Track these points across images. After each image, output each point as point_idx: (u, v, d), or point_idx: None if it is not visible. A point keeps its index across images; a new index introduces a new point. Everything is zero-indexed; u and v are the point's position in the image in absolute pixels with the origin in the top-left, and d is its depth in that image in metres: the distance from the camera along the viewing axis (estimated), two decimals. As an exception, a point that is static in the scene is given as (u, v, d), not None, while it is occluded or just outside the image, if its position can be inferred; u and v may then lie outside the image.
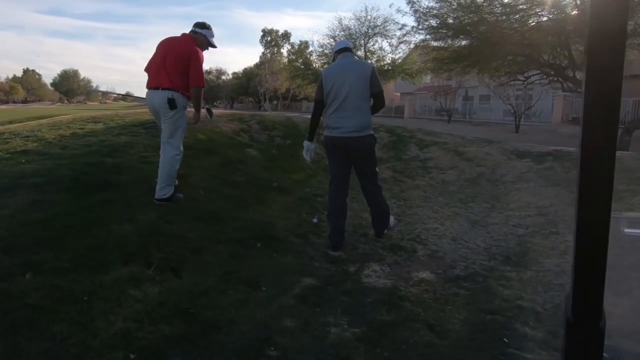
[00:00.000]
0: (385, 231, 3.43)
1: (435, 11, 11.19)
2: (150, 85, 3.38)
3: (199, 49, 3.40)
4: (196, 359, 1.78)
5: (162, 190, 3.33)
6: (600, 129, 0.59)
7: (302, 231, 3.42)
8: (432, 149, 6.25)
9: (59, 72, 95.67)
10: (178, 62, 3.31)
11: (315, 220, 3.66)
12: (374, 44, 23.00)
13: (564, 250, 3.13)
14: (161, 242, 2.76)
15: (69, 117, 5.45)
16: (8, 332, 1.78)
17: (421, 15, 11.44)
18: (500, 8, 10.50)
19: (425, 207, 4.26)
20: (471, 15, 10.53)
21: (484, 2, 10.48)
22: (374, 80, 3.14)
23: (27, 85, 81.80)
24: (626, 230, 0.98)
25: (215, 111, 6.15)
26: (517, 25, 10.37)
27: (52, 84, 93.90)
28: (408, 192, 4.78)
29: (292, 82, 29.88)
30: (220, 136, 4.12)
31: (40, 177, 3.32)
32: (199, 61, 3.37)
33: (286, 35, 55.12)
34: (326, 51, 21.50)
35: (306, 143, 3.33)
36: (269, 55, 52.13)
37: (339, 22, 19.79)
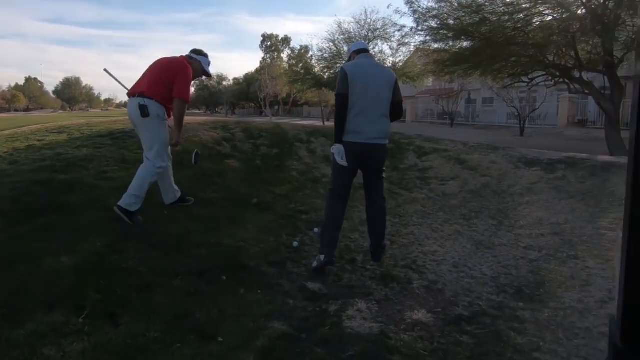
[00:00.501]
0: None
1: (435, 12, 10.77)
2: (129, 93, 3.14)
3: (189, 67, 3.20)
4: None
5: (126, 199, 2.98)
6: None
7: (278, 258, 2.95)
8: (432, 157, 5.78)
9: (62, 80, 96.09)
10: (164, 71, 3.13)
11: (296, 244, 3.19)
12: (374, 48, 22.58)
13: (587, 280, 2.65)
14: (103, 279, 2.30)
15: (35, 127, 5.02)
16: None
17: (420, 16, 11.01)
18: (502, 7, 10.07)
19: (423, 225, 3.78)
20: (472, 16, 10.10)
21: (485, 1, 10.06)
22: (397, 88, 2.97)
23: (29, 93, 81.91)
24: None
25: (198, 119, 5.72)
26: (520, 25, 9.94)
27: (55, 92, 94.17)
28: (404, 206, 4.30)
29: (292, 87, 29.48)
30: (197, 146, 3.67)
31: (-25, 198, 2.88)
32: (187, 75, 3.14)
33: (286, 40, 54.93)
34: (325, 55, 21.11)
35: (337, 147, 2.83)
36: (269, 60, 51.91)
37: (339, 26, 19.33)
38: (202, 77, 3.51)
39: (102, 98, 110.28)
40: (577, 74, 10.31)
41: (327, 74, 19.29)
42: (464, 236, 3.52)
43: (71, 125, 5.03)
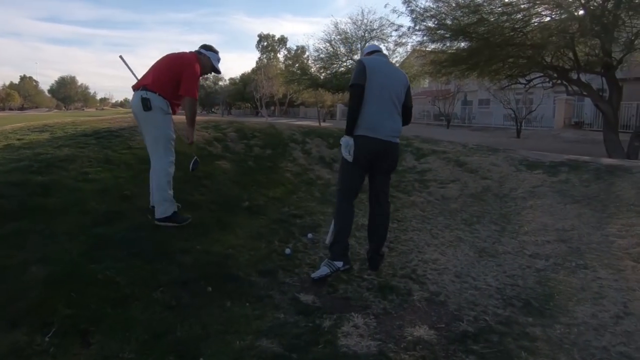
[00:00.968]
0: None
1: (432, 11, 10.61)
2: (133, 87, 3.04)
3: (197, 64, 3.07)
4: None
5: (159, 207, 2.94)
6: None
7: (270, 266, 2.75)
8: (431, 159, 5.60)
9: (57, 79, 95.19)
10: (170, 66, 3.02)
11: (288, 251, 2.99)
12: (371, 48, 22.38)
13: (599, 292, 2.48)
14: (75, 292, 2.10)
15: (18, 125, 4.79)
16: None
17: (418, 16, 10.86)
18: (501, 8, 9.94)
19: (422, 231, 3.60)
20: (470, 15, 9.96)
21: (483, 1, 9.92)
22: (409, 93, 2.87)
23: (24, 92, 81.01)
24: None
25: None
26: (518, 26, 9.81)
27: (50, 91, 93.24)
28: (403, 211, 4.12)
29: (288, 87, 29.24)
30: (186, 146, 3.46)
31: (-58, 202, 2.67)
32: (193, 72, 3.02)
33: (282, 40, 54.69)
34: (322, 56, 20.89)
35: (345, 139, 2.65)
36: (265, 60, 51.65)
37: (335, 26, 19.13)
38: (211, 73, 3.40)
39: (98, 97, 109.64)
40: (575, 76, 10.20)
41: (323, 74, 19.08)
42: (465, 243, 3.34)
43: (55, 123, 4.80)
